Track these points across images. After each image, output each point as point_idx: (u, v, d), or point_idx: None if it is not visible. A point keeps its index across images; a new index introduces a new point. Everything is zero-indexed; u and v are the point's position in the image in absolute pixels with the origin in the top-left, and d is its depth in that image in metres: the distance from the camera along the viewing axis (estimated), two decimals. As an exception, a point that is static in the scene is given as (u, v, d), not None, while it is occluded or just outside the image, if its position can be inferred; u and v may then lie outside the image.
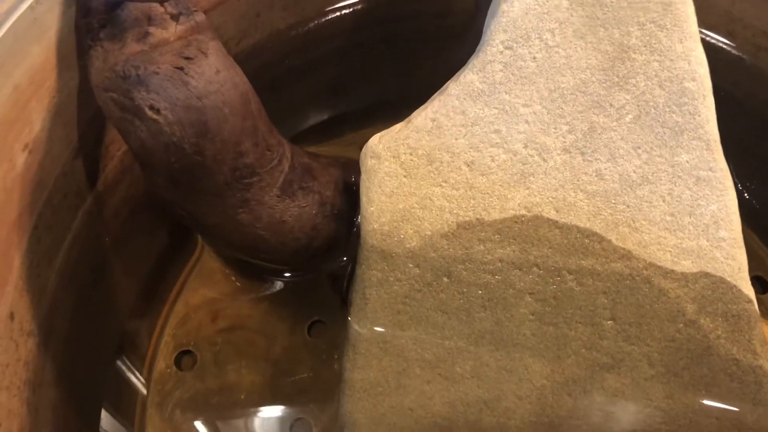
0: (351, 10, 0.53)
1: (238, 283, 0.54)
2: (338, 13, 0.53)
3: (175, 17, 0.37)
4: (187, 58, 0.35)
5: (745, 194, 0.55)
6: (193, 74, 0.35)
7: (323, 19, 0.52)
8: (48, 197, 0.39)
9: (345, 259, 0.46)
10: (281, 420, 0.50)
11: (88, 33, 0.36)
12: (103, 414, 0.48)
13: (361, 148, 0.62)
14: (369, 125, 0.62)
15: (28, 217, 0.38)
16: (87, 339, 0.45)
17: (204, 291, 0.55)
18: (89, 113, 0.40)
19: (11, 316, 0.37)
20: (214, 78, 0.35)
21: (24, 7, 0.34)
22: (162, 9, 0.37)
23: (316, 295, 0.53)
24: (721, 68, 0.53)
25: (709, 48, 0.53)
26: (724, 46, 0.52)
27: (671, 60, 0.37)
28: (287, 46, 0.53)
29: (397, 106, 0.62)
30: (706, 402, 0.39)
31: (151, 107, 0.34)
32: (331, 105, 0.61)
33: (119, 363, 0.50)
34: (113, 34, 0.36)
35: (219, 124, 0.35)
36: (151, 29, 0.36)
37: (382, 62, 0.59)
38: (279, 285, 0.53)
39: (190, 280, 0.55)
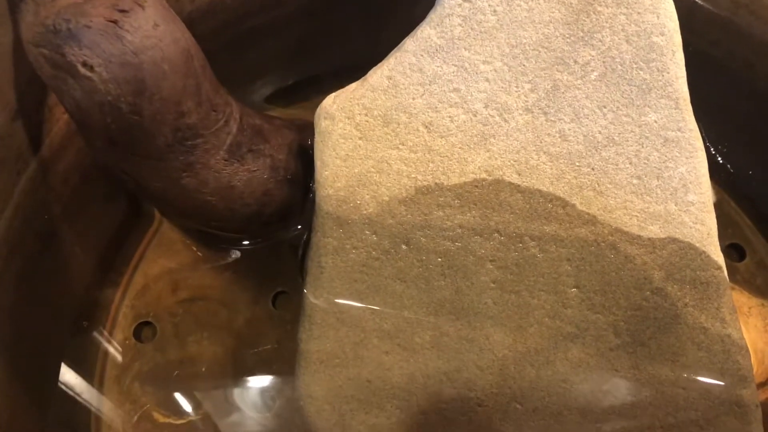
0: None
1: (199, 253, 0.53)
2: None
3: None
4: (122, 11, 0.33)
5: (719, 158, 0.53)
6: (129, 28, 0.33)
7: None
8: (-16, 161, 0.37)
9: (300, 227, 0.44)
10: (244, 392, 0.48)
11: (18, -15, 0.34)
12: (60, 389, 0.47)
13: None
14: (338, 88, 0.60)
15: (-38, 181, 0.36)
16: (37, 309, 0.44)
17: (163, 261, 0.53)
18: (27, 72, 0.38)
19: (-56, 286, 0.35)
20: (152, 32, 0.33)
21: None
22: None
23: (281, 265, 0.51)
24: (698, 27, 0.51)
25: (687, 6, 0.51)
26: (703, 4, 0.49)
27: (639, 13, 0.35)
28: (249, 4, 0.50)
29: (367, 68, 0.60)
30: (674, 372, 0.37)
31: (84, 64, 0.32)
32: (297, 68, 0.58)
33: (76, 335, 0.49)
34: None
35: (157, 81, 0.33)
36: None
37: (352, 23, 0.57)
38: (241, 255, 0.51)
39: (149, 251, 0.53)
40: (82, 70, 0.32)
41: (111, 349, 0.50)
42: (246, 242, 0.49)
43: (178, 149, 0.35)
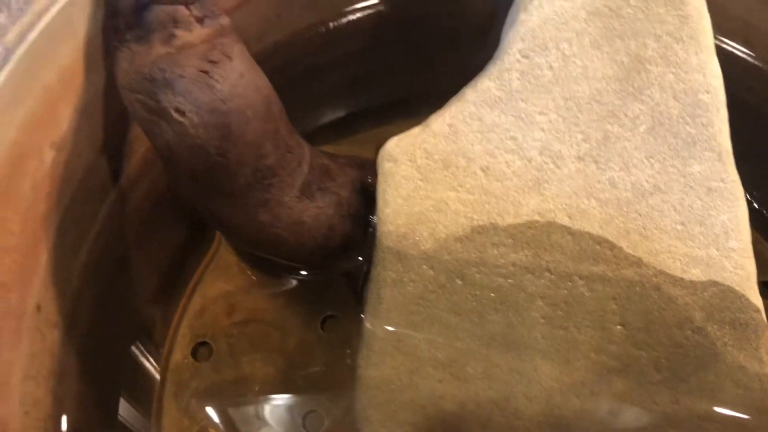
0: (370, 10, 0.53)
1: (253, 277, 0.56)
2: (358, 14, 0.53)
3: (200, 20, 0.38)
4: (212, 62, 0.36)
5: (754, 204, 0.56)
6: (218, 78, 0.36)
7: (343, 19, 0.53)
8: (73, 193, 0.40)
9: (360, 258, 0.47)
10: (294, 412, 0.51)
11: (116, 34, 0.37)
12: (121, 403, 0.50)
13: (375, 147, 0.63)
14: (384, 123, 0.63)
15: (55, 212, 0.39)
16: (108, 330, 0.47)
17: (221, 284, 0.56)
18: (114, 112, 0.41)
19: (38, 308, 0.38)
20: (239, 81, 0.36)
21: (56, 8, 0.35)
22: (187, 12, 0.37)
23: (330, 290, 0.54)
24: (735, 75, 0.54)
25: (725, 55, 0.53)
26: (740, 54, 0.52)
27: (686, 72, 0.37)
28: (307, 45, 0.53)
29: (413, 104, 0.63)
30: (712, 408, 0.40)
31: (177, 110, 0.35)
32: (347, 102, 0.62)
33: (137, 353, 0.52)
34: (140, 36, 0.37)
35: (242, 126, 0.36)
36: (177, 32, 0.37)
37: (399, 61, 0.60)
38: (293, 281, 0.54)
39: (208, 273, 0.56)
40: (175, 115, 0.35)
41: (170, 368, 0.53)
42: (303, 272, 0.52)
43: (256, 187, 0.38)
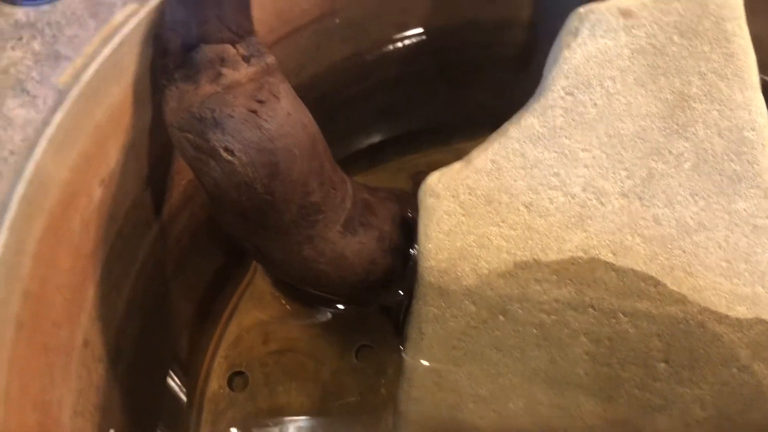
0: (406, 42, 0.54)
1: (288, 307, 0.56)
2: (393, 45, 0.54)
3: (246, 59, 0.38)
4: (260, 102, 0.36)
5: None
6: (266, 117, 0.36)
7: (379, 51, 0.54)
8: (119, 228, 0.41)
9: (400, 292, 0.47)
10: (329, 442, 0.51)
11: (164, 73, 0.38)
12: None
13: (408, 175, 0.64)
14: (416, 151, 0.64)
15: (102, 248, 0.39)
16: (148, 361, 0.47)
17: (256, 313, 0.56)
18: (159, 147, 0.42)
19: (85, 343, 0.38)
20: (286, 120, 0.37)
21: (108, 50, 0.36)
22: (234, 51, 0.38)
23: (363, 320, 0.54)
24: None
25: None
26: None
27: (731, 110, 0.37)
28: (343, 76, 0.54)
29: (444, 131, 0.64)
30: (758, 446, 0.39)
31: (226, 149, 0.36)
32: (380, 129, 0.62)
33: (174, 383, 0.52)
34: (188, 75, 0.37)
35: (289, 165, 0.37)
36: (224, 70, 0.37)
37: (432, 90, 0.60)
38: (328, 312, 0.55)
39: (243, 302, 0.56)
40: (224, 154, 0.36)
41: (207, 397, 0.53)
42: (340, 306, 0.52)
43: (301, 224, 0.38)
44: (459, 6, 0.53)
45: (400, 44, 0.54)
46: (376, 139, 0.62)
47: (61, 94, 0.34)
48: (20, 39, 0.83)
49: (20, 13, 0.85)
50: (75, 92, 0.34)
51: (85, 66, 0.35)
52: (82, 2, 0.92)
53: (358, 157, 0.62)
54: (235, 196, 0.37)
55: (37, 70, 0.80)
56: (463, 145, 0.64)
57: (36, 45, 0.84)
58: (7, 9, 0.82)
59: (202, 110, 0.36)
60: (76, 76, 0.35)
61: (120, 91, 0.38)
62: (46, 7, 0.87)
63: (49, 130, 0.33)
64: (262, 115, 0.36)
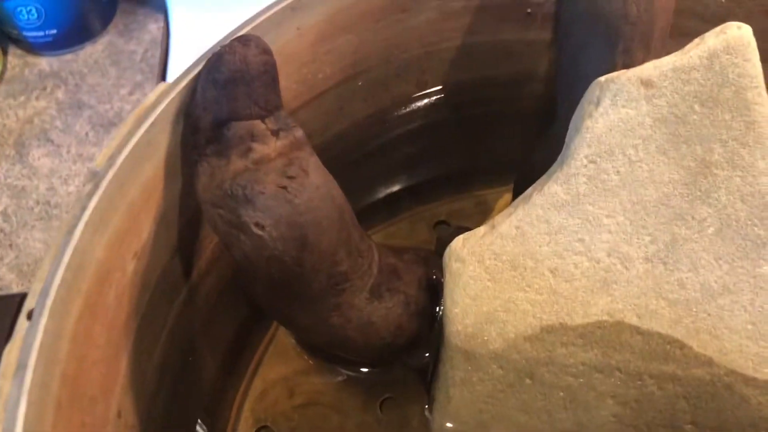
0: (425, 99, 0.55)
1: (310, 362, 0.56)
2: (413, 102, 0.55)
3: (275, 133, 0.39)
4: (290, 177, 0.37)
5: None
6: (296, 192, 0.37)
7: (399, 108, 0.55)
8: (150, 297, 0.41)
9: (426, 354, 0.47)
10: (355, 496, 0.51)
11: (195, 149, 0.39)
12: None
13: (428, 224, 0.64)
14: (436, 200, 0.64)
15: (134, 318, 0.40)
16: (177, 422, 0.48)
17: (280, 368, 0.56)
18: (188, 216, 0.43)
19: (119, 414, 0.39)
20: (315, 194, 0.37)
21: (141, 130, 0.37)
22: (264, 126, 0.39)
23: (387, 373, 0.55)
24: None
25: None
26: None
27: (753, 176, 0.38)
28: (365, 133, 0.55)
29: (464, 180, 0.64)
30: (788, 508, 0.39)
31: (257, 224, 0.36)
32: (401, 180, 0.63)
33: (202, 440, 0.53)
34: (219, 151, 0.38)
35: (318, 237, 0.37)
36: (254, 145, 0.38)
37: (453, 142, 0.61)
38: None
39: (267, 357, 0.57)
40: (255, 229, 0.37)
41: (234, 453, 0.53)
42: (364, 369, 0.52)
43: (329, 293, 0.39)
44: (476, 62, 0.54)
45: (419, 102, 0.55)
46: (395, 188, 0.62)
47: (98, 177, 0.35)
48: (44, 89, 0.85)
49: (44, 62, 0.86)
50: (110, 174, 0.35)
51: (120, 148, 0.36)
52: (104, 51, 0.93)
53: (379, 207, 0.62)
54: (265, 269, 0.37)
55: (61, 119, 0.81)
56: (482, 193, 0.65)
57: (60, 94, 0.85)
58: (32, 59, 0.84)
59: (233, 187, 0.37)
60: (112, 158, 0.36)
61: (152, 168, 0.39)
62: (68, 56, 0.88)
63: (86, 214, 0.33)
64: (291, 191, 0.37)
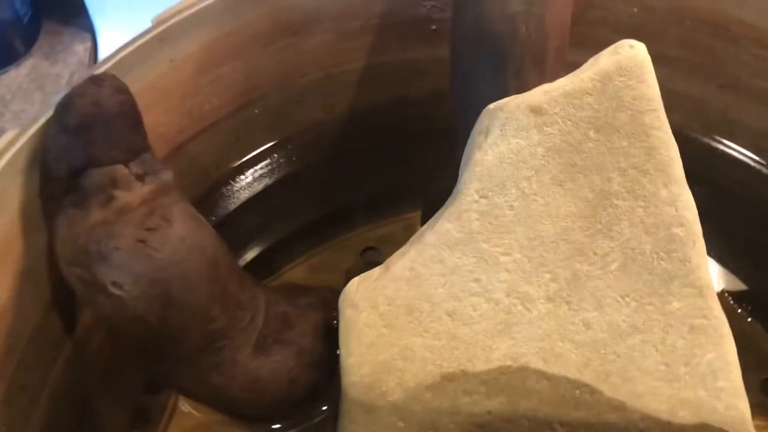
0: (335, 124, 0.52)
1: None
2: (323, 129, 0.52)
3: (140, 177, 0.36)
4: (150, 230, 0.34)
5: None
6: (157, 245, 0.34)
7: (307, 135, 0.51)
8: (19, 359, 0.38)
9: (326, 408, 0.44)
10: None
11: (52, 200, 0.36)
12: None
13: (355, 252, 0.61)
14: (365, 224, 0.61)
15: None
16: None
17: (195, 414, 0.53)
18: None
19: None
20: (179, 246, 0.34)
21: (-17, 186, 0.34)
22: (127, 170, 0.36)
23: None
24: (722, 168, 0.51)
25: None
26: (725, 149, 0.50)
27: (656, 206, 0.35)
28: (272, 162, 0.52)
29: (393, 204, 0.61)
30: None
31: (114, 283, 0.33)
32: (321, 208, 0.60)
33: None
34: (77, 201, 0.35)
35: (185, 294, 0.34)
36: (116, 192, 0.35)
37: (375, 164, 0.58)
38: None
39: (180, 403, 0.53)
40: (112, 289, 0.33)
41: None
42: (274, 426, 0.49)
43: (206, 351, 0.36)
44: (386, 83, 0.51)
45: (329, 126, 0.52)
46: (315, 216, 0.59)
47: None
48: (-37, 115, 0.80)
49: (-36, 88, 0.82)
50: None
51: (-42, 206, 0.33)
52: (28, 75, 0.89)
53: (300, 236, 0.59)
54: (129, 330, 0.34)
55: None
56: (411, 216, 0.62)
57: (-21, 121, 0.80)
58: (-48, 84, 0.80)
59: (88, 242, 0.34)
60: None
61: (6, 222, 0.35)
62: (-10, 82, 0.84)
63: None
64: (152, 244, 0.34)
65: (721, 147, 0.49)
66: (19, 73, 0.81)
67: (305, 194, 0.57)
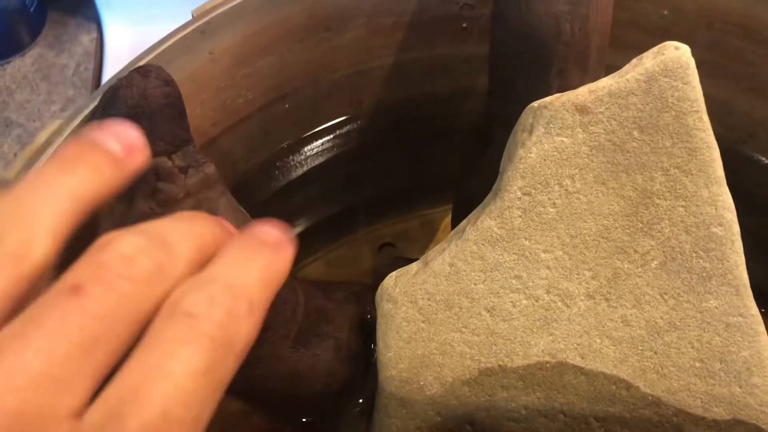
0: (362, 120, 0.52)
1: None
2: (350, 124, 0.52)
3: (183, 170, 0.36)
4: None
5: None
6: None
7: (334, 129, 0.52)
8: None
9: (361, 401, 0.44)
10: None
11: (95, 192, 0.35)
12: None
13: (373, 247, 0.61)
14: (381, 221, 0.61)
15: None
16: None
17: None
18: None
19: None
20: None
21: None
22: (170, 162, 0.36)
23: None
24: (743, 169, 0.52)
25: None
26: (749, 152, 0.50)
27: (697, 206, 0.35)
28: (298, 157, 0.52)
29: (409, 200, 0.62)
30: None
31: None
32: (340, 203, 0.60)
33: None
34: (122, 194, 0.35)
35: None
36: (160, 185, 0.35)
37: (394, 160, 0.58)
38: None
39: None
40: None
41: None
42: (304, 419, 0.49)
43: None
44: (412, 80, 0.51)
45: (355, 122, 0.52)
46: (334, 211, 0.59)
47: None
48: (-32, 105, 0.80)
49: (-32, 78, 0.81)
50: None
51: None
52: (33, 65, 0.88)
53: (318, 231, 0.59)
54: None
55: (-14, 138, 0.76)
56: (427, 212, 0.62)
57: (-15, 111, 0.80)
58: (-44, 75, 0.79)
59: (135, 234, 0.33)
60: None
61: (47, 213, 0.35)
62: (-5, 72, 0.83)
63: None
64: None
65: (746, 149, 0.50)
66: (24, 63, 0.80)
67: (325, 190, 0.57)
